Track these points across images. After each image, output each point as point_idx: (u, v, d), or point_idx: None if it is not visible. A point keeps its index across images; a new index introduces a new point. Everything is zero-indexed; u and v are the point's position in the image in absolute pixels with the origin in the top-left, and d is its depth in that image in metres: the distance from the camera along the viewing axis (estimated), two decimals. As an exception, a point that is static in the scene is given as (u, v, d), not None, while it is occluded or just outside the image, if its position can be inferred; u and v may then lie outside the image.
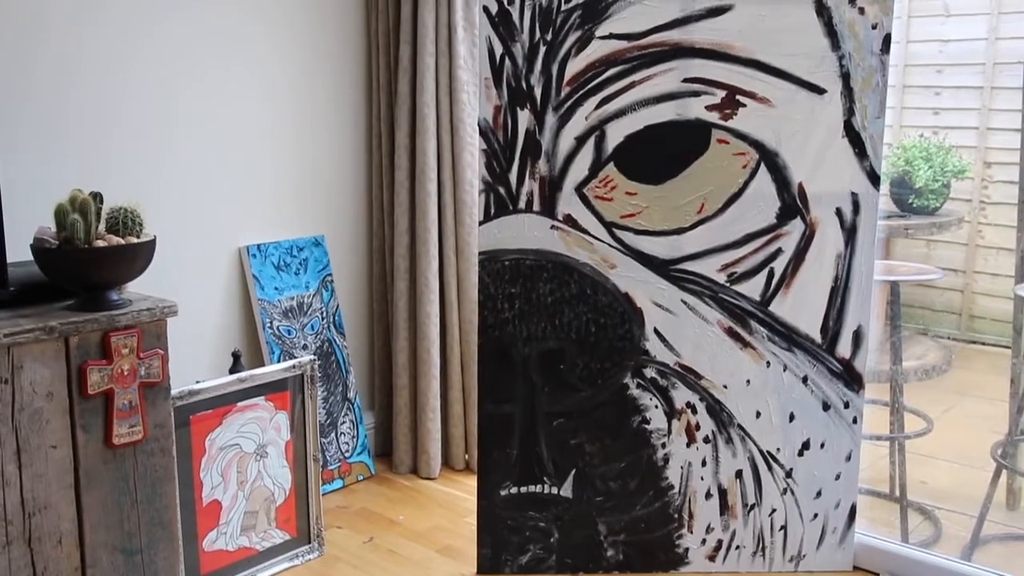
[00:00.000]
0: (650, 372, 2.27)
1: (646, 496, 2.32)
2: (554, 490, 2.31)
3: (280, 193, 2.79)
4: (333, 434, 2.85)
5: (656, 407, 2.28)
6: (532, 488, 2.30)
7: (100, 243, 1.77)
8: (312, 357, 2.33)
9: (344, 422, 2.89)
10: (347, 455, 2.89)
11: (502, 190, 2.16)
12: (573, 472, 2.30)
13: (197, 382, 2.26)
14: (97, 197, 1.83)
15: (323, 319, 2.87)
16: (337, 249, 2.97)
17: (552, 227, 2.18)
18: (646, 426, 2.29)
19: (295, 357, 2.72)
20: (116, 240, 1.80)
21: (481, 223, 2.17)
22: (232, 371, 2.36)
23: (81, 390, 1.78)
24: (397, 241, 2.88)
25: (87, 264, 1.77)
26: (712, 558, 2.35)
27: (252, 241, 2.72)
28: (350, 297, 3.03)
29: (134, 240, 1.82)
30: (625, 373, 2.26)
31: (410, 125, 2.81)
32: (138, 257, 1.84)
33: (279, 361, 2.70)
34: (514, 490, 2.30)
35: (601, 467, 2.30)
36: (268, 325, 2.71)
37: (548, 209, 2.19)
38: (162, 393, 1.92)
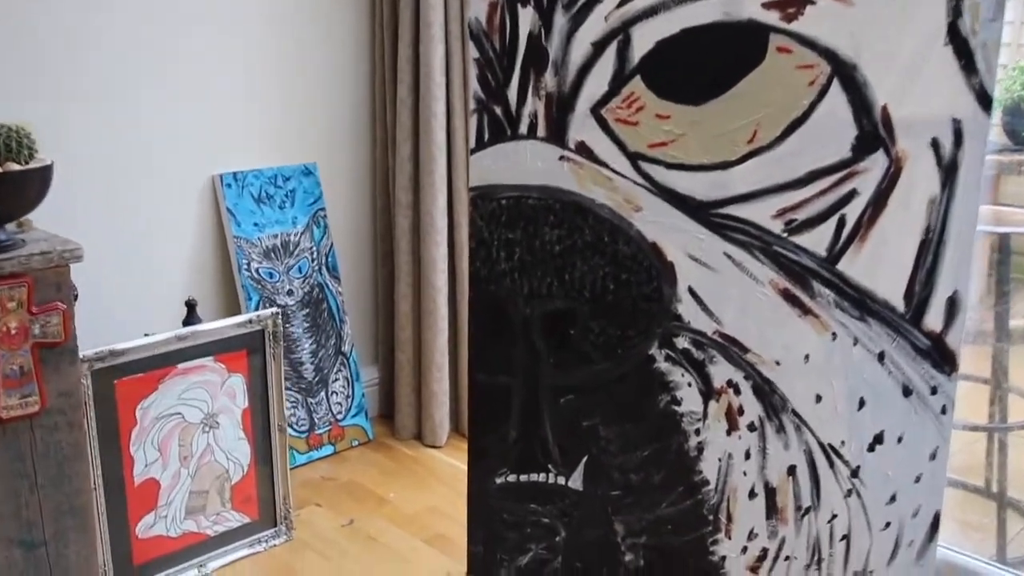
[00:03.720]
0: (682, 342, 1.86)
1: (674, 492, 1.94)
2: (561, 480, 1.95)
3: (263, 112, 2.44)
4: (323, 393, 2.54)
5: (689, 385, 1.88)
6: (534, 477, 1.95)
7: (-33, 169, 1.44)
8: (274, 310, 2.00)
9: (336, 379, 2.57)
10: (339, 417, 2.58)
11: (498, 110, 1.77)
12: (585, 460, 1.93)
13: (145, 335, 1.95)
14: (-24, 111, 1.49)
15: (313, 260, 2.53)
16: (332, 179, 2.62)
17: (561, 158, 1.78)
18: (676, 408, 1.90)
19: (276, 304, 2.40)
20: (-10, 165, 1.46)
21: (472, 151, 1.78)
22: (186, 323, 2.05)
23: (-47, 352, 1.47)
24: (399, 170, 2.52)
25: None
26: (755, 570, 1.97)
27: (227, 168, 2.39)
28: (347, 235, 2.69)
29: (14, 167, 1.48)
30: (651, 342, 1.86)
31: (413, 32, 2.41)
32: (23, 188, 1.52)
33: (257, 310, 2.37)
34: (512, 478, 1.95)
35: (619, 455, 1.92)
36: (245, 267, 2.38)
37: (556, 135, 1.78)
38: (66, 356, 1.61)
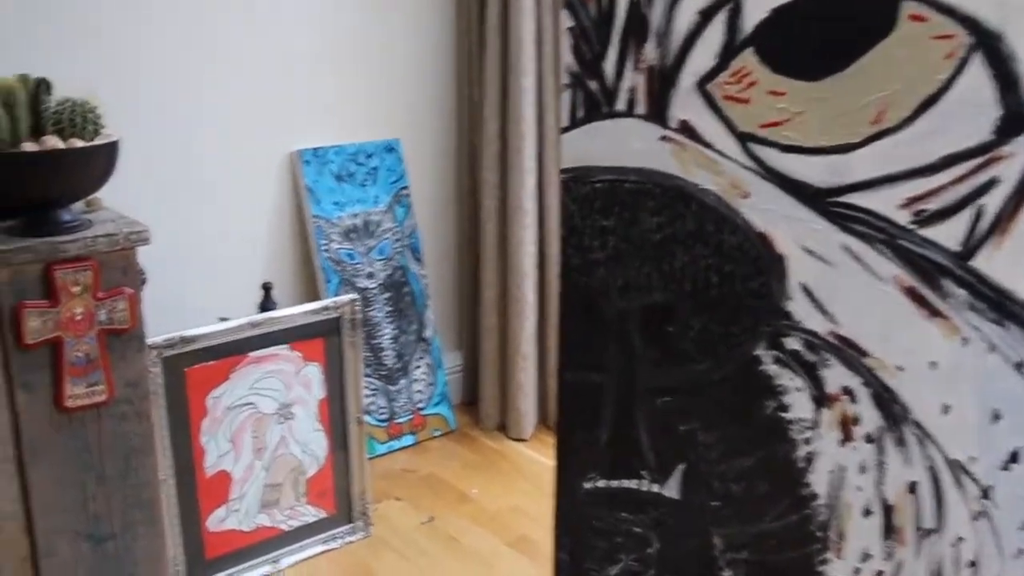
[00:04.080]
0: (793, 343, 1.71)
1: (780, 505, 1.78)
2: (655, 487, 1.81)
3: (344, 86, 2.35)
4: (404, 380, 2.45)
5: (799, 390, 1.73)
6: (626, 483, 1.82)
7: (29, 146, 1.38)
8: (353, 296, 1.91)
9: (419, 366, 2.48)
10: (420, 406, 2.49)
11: (593, 85, 1.63)
12: (682, 467, 1.80)
13: (221, 319, 1.89)
14: (41, 85, 1.43)
15: (396, 242, 2.44)
16: (416, 157, 2.52)
17: (662, 138, 1.63)
18: (784, 414, 1.74)
19: (356, 288, 2.31)
20: (54, 143, 1.39)
21: (564, 130, 1.64)
22: (262, 308, 1.97)
23: (17, 339, 1.42)
24: (485, 149, 2.40)
25: (11, 173, 1.40)
26: (866, 593, 1.80)
27: (306, 145, 2.30)
28: (430, 216, 2.59)
29: (78, 144, 1.40)
30: (757, 342, 1.71)
31: (502, 0, 2.28)
32: (87, 166, 1.45)
33: (337, 293, 2.29)
34: (602, 483, 1.82)
35: (720, 463, 1.78)
36: (324, 248, 2.30)
37: (657, 112, 1.63)
38: (134, 343, 1.55)
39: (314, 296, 2.34)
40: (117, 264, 1.49)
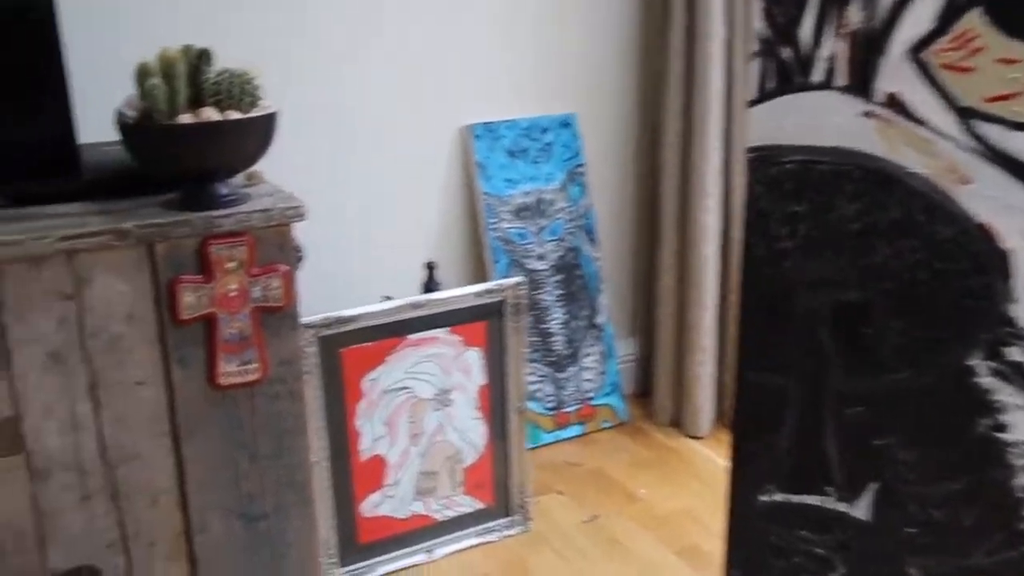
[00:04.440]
0: (1015, 353, 1.48)
1: (992, 539, 1.57)
2: (842, 506, 1.64)
3: (518, 57, 2.27)
4: (573, 368, 2.35)
5: (1021, 408, 1.49)
6: (809, 498, 1.65)
7: (185, 118, 1.35)
8: (518, 279, 1.82)
9: (589, 354, 2.38)
10: (590, 396, 2.38)
11: (786, 53, 1.46)
12: (874, 486, 1.61)
13: (385, 298, 1.85)
14: (202, 56, 1.41)
15: (569, 222, 2.33)
16: (593, 132, 2.40)
17: (865, 113, 1.44)
18: (1000, 435, 1.52)
19: (526, 269, 2.23)
20: (209, 115, 1.36)
21: (751, 103, 1.49)
22: (426, 288, 1.92)
23: (172, 314, 1.41)
24: (667, 124, 2.25)
25: (168, 145, 1.39)
26: (1096, 647, 1.55)
27: (478, 119, 2.23)
28: (606, 195, 2.46)
29: (234, 115, 1.37)
30: (971, 350, 1.49)
31: (691, -38, 2.12)
32: (244, 138, 1.43)
33: (507, 275, 2.21)
34: (781, 497, 1.66)
35: (920, 485, 1.58)
36: (493, 227, 2.23)
37: (860, 85, 1.44)
38: (287, 322, 1.52)
39: (481, 277, 2.28)
40: (272, 240, 1.46)
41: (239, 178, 1.59)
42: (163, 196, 1.47)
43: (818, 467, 1.60)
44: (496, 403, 1.86)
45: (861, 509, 1.59)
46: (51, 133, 1.41)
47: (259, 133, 1.42)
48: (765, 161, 1.52)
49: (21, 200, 1.43)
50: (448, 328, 1.77)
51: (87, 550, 1.46)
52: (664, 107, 2.27)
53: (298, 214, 1.46)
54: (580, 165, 2.36)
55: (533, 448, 2.29)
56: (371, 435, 1.74)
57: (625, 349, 2.56)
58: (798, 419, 1.60)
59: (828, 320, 1.54)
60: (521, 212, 2.27)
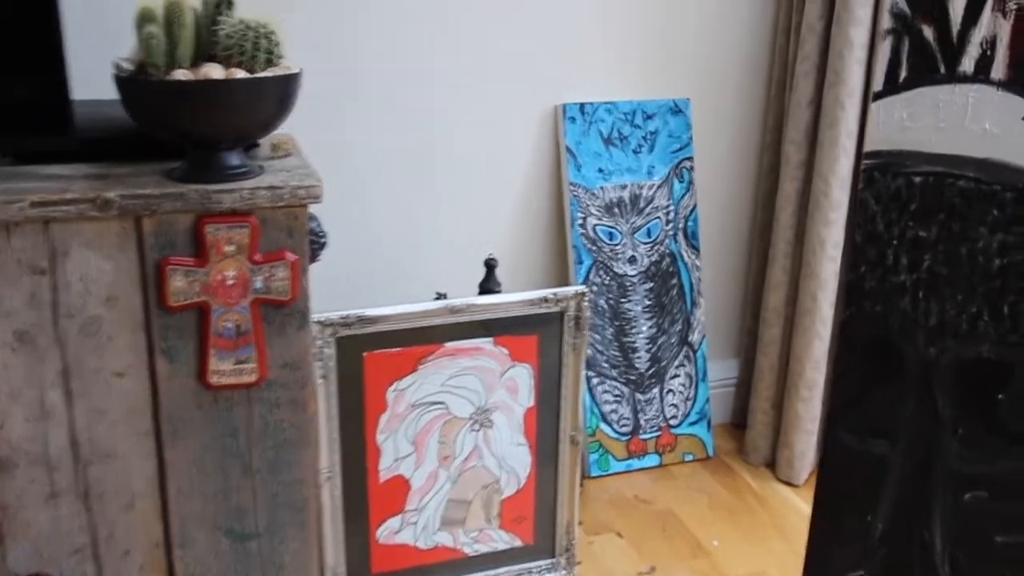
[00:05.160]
0: None
1: None
2: (949, 611, 1.32)
3: (624, 31, 2.02)
4: (657, 389, 2.09)
5: None
6: (908, 593, 1.35)
7: (182, 74, 1.18)
8: (581, 289, 1.57)
9: (677, 375, 2.11)
10: (673, 423, 2.11)
11: (928, 33, 1.17)
12: (994, 591, 1.29)
13: (439, 296, 1.64)
14: (222, 3, 1.23)
15: (668, 223, 2.07)
16: (706, 122, 2.13)
17: (1027, 118, 1.13)
18: None
19: (613, 273, 1.98)
20: (208, 71, 1.18)
21: (877, 96, 1.21)
22: (483, 289, 1.70)
23: (159, 299, 1.25)
24: (792, 118, 1.96)
25: (162, 104, 1.22)
26: None
27: (573, 98, 1.98)
28: (716, 195, 2.20)
29: (238, 75, 1.19)
30: None
31: (835, -73, 1.81)
32: (251, 101, 1.23)
33: (587, 277, 1.98)
34: (872, 586, 1.37)
35: (1054, 597, 1.25)
36: (580, 223, 1.99)
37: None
38: (294, 319, 1.34)
39: (562, 279, 2.04)
40: (280, 223, 1.27)
41: (264, 150, 1.42)
42: (170, 164, 1.31)
43: (919, 558, 1.31)
44: (546, 429, 1.62)
45: (975, 618, 1.29)
46: (38, 83, 1.26)
47: (271, 97, 1.23)
48: (886, 171, 1.23)
49: (5, 155, 1.30)
50: (492, 338, 1.55)
51: (52, 553, 1.32)
52: (792, 97, 1.97)
53: (312, 195, 1.27)
54: (688, 159, 2.08)
55: (598, 476, 2.05)
56: (394, 452, 1.54)
57: (720, 373, 2.27)
58: (897, 496, 1.31)
59: (949, 379, 1.24)
60: (613, 208, 2.02)
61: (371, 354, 1.48)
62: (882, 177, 1.21)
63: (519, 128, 1.99)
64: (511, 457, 1.63)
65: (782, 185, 2.02)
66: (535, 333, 1.58)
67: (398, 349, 1.50)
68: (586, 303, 1.56)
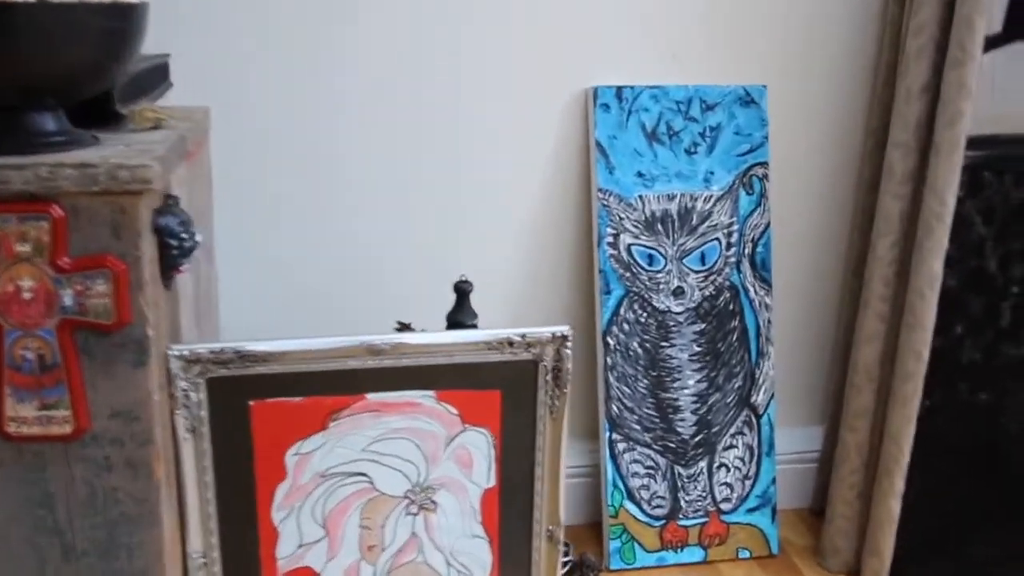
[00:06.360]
0: None
1: None
2: None
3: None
4: (704, 462, 1.68)
5: None
6: None
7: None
8: (560, 330, 1.16)
9: (734, 445, 1.70)
10: (725, 506, 1.68)
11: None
12: None
13: (400, 327, 1.29)
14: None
15: (730, 247, 1.66)
16: (786, 117, 1.72)
17: None
18: None
19: (651, 308, 1.59)
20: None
21: (989, 46, 0.76)
22: (451, 320, 1.33)
23: (-83, 315, 0.93)
24: (900, 111, 1.53)
25: None
26: None
27: (607, 80, 1.59)
28: (796, 213, 1.79)
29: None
30: None
31: None
32: (68, 36, 0.91)
33: (618, 310, 1.58)
34: None
35: None
36: (610, 240, 1.61)
37: None
38: (128, 351, 1.01)
39: (584, 313, 1.65)
40: (102, 217, 0.92)
41: (131, 117, 1.09)
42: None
43: None
44: (511, 519, 1.22)
45: None
46: None
47: (91, 32, 0.89)
48: (993, 165, 0.78)
49: None
50: (434, 392, 1.16)
51: None
52: (900, 84, 1.53)
53: (139, 178, 0.92)
54: (762, 164, 1.66)
55: (619, 571, 1.63)
56: (296, 536, 1.17)
57: (792, 443, 1.81)
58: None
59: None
60: (656, 224, 1.62)
61: (260, 403, 1.11)
62: (993, 176, 0.78)
63: (535, 117, 1.61)
64: (464, 552, 1.23)
65: (881, 203, 1.56)
66: (497, 388, 1.18)
67: (299, 399, 1.12)
68: (567, 350, 1.15)
